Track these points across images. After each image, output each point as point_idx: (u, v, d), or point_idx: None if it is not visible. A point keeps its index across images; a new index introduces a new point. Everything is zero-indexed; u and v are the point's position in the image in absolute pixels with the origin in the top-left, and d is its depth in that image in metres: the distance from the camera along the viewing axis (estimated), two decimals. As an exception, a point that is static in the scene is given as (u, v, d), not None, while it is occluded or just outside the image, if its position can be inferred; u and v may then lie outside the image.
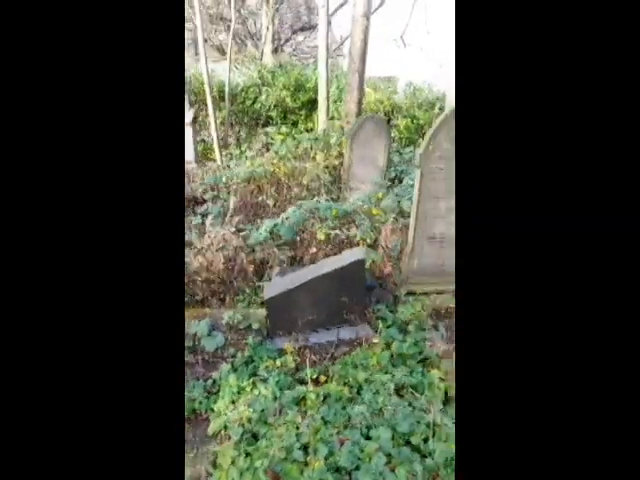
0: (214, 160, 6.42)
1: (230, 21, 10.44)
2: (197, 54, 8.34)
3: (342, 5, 10.85)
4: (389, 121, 8.71)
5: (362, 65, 5.91)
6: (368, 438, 1.66)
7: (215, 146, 6.42)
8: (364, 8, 5.72)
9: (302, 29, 11.61)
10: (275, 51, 10.97)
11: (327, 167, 5.57)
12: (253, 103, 8.05)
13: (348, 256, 2.24)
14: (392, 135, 8.35)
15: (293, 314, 2.27)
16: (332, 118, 6.83)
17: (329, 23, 9.94)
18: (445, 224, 2.84)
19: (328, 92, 6.49)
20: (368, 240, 2.99)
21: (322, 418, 1.75)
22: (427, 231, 2.85)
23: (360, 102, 6.05)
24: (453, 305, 2.85)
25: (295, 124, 8.01)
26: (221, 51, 9.37)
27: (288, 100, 7.95)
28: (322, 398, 1.92)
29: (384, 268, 3.15)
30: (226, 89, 7.17)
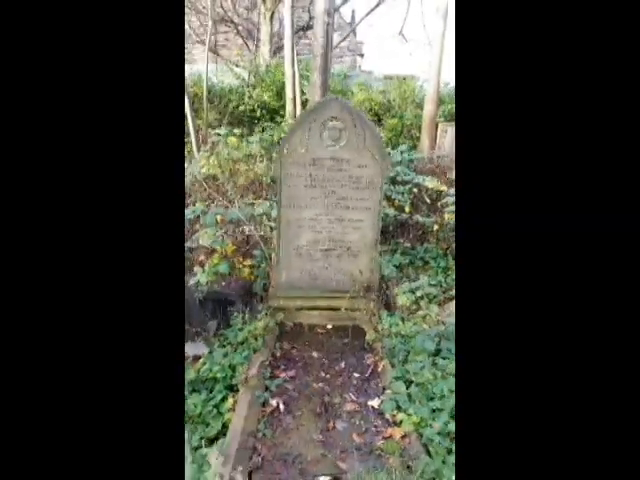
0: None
1: (231, 22, 10.50)
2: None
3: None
4: (380, 120, 8.37)
5: (325, 63, 5.67)
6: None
7: (193, 148, 6.43)
8: (325, 4, 5.48)
9: (306, 28, 11.40)
10: (276, 52, 10.88)
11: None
12: (238, 105, 8.03)
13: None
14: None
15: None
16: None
17: (302, 27, 9.70)
18: (312, 234, 2.61)
19: (294, 92, 6.31)
20: (224, 250, 2.81)
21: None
22: (293, 242, 2.62)
23: (324, 101, 5.81)
24: (316, 322, 2.61)
25: (279, 124, 7.88)
26: (214, 52, 9.43)
27: (270, 101, 7.85)
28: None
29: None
30: (204, 90, 7.17)
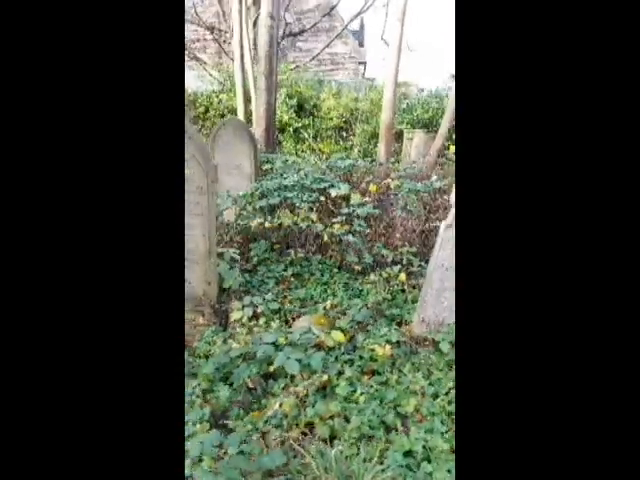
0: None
1: (208, 29, 10.53)
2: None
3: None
4: (348, 127, 8.16)
5: (269, 67, 5.55)
6: None
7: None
8: (269, 7, 5.37)
9: (296, 33, 11.35)
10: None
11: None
12: (207, 109, 8.02)
13: None
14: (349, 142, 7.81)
15: None
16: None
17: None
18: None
19: (246, 96, 6.21)
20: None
21: None
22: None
23: (269, 105, 5.67)
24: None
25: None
26: (197, 59, 9.49)
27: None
28: None
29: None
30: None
